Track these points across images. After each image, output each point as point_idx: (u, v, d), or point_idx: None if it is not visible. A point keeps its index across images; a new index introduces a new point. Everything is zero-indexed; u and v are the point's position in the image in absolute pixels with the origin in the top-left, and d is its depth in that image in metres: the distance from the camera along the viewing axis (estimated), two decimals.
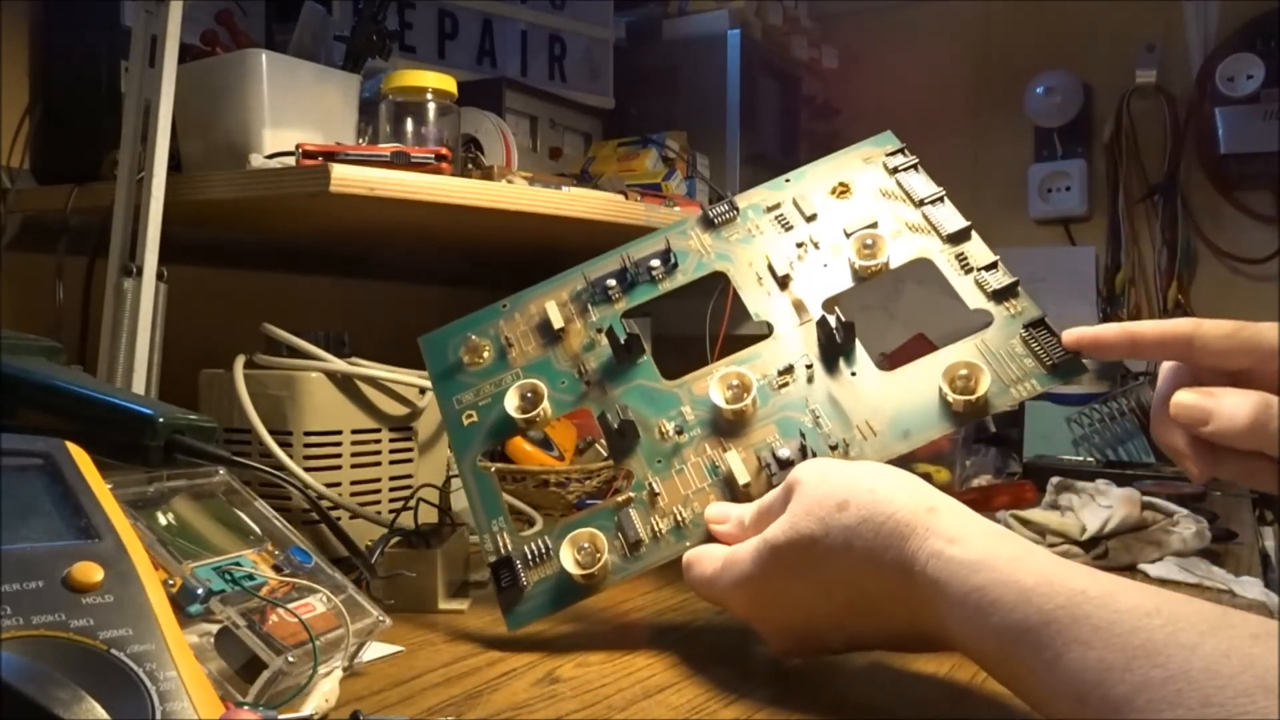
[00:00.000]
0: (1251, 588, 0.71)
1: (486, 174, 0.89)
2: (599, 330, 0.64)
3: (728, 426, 0.60)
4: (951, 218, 0.64)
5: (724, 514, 0.56)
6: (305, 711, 0.43)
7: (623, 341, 0.62)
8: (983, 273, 0.61)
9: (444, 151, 0.79)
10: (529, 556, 0.58)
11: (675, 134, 1.22)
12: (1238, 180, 1.45)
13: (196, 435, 0.55)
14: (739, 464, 0.58)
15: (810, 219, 0.66)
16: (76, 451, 0.41)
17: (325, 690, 0.45)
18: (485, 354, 0.65)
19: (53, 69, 0.97)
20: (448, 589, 0.67)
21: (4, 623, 0.32)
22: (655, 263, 0.66)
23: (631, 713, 0.47)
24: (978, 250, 0.63)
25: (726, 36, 1.34)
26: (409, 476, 0.80)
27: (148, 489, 0.51)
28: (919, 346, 1.02)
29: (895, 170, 0.67)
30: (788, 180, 0.68)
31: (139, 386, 0.74)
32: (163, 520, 0.49)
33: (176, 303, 0.77)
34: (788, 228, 0.66)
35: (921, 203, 0.65)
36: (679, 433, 0.60)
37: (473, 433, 0.62)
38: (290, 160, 0.78)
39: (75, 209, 0.87)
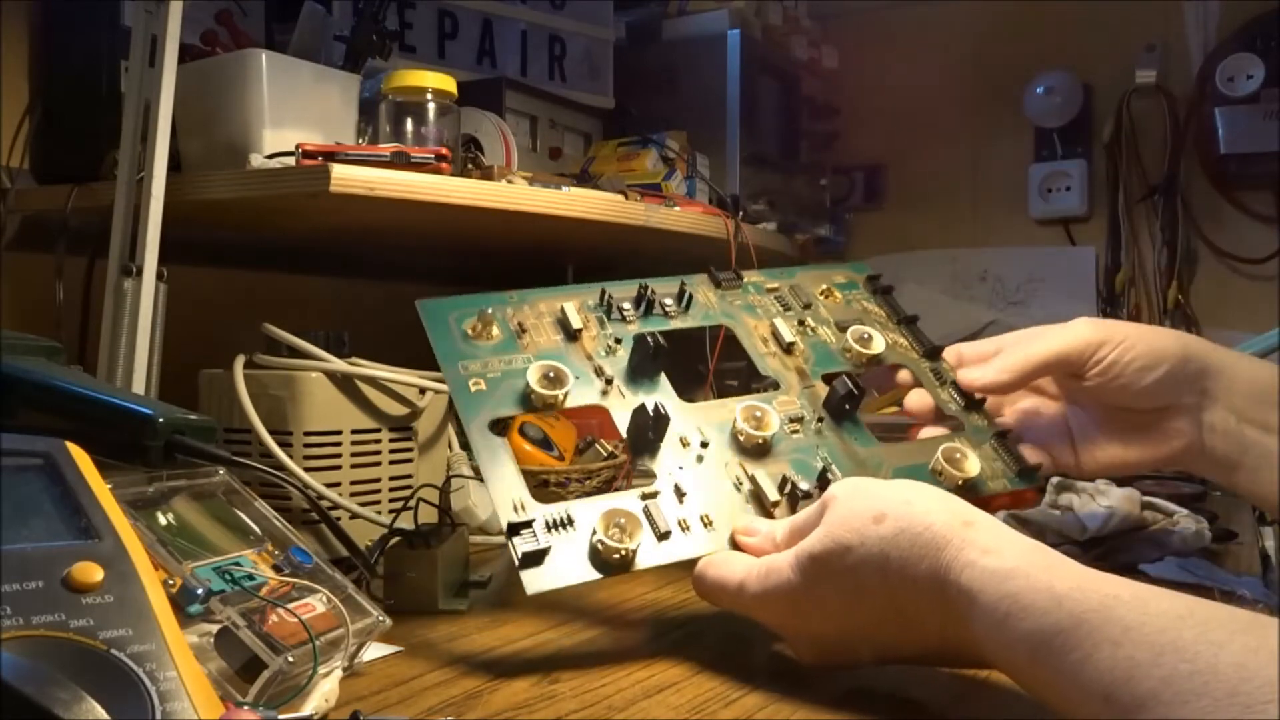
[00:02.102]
0: (1252, 588, 0.71)
1: (486, 174, 0.89)
2: (617, 340, 0.65)
3: (744, 451, 0.61)
4: (926, 338, 0.72)
5: (754, 528, 0.56)
6: (305, 711, 0.43)
7: (651, 351, 0.63)
8: (956, 386, 0.69)
9: (444, 151, 0.80)
10: (549, 524, 0.55)
11: (675, 134, 1.22)
12: (1238, 180, 1.45)
13: (196, 435, 0.54)
14: (767, 481, 0.59)
15: (806, 307, 0.72)
16: (76, 451, 0.41)
17: (325, 690, 0.45)
18: (494, 332, 0.63)
19: (53, 69, 0.97)
20: (448, 589, 0.67)
21: (4, 623, 0.32)
22: (669, 301, 0.68)
23: (631, 713, 0.47)
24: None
25: (726, 36, 1.34)
26: (409, 476, 0.80)
27: (148, 489, 0.51)
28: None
29: (876, 291, 0.75)
30: (782, 272, 0.74)
31: (139, 386, 0.74)
32: (163, 520, 0.49)
33: (176, 303, 0.77)
34: (787, 307, 0.71)
35: (901, 320, 0.73)
36: (703, 445, 0.61)
37: (481, 399, 0.60)
38: (290, 160, 0.78)
39: (75, 209, 0.87)
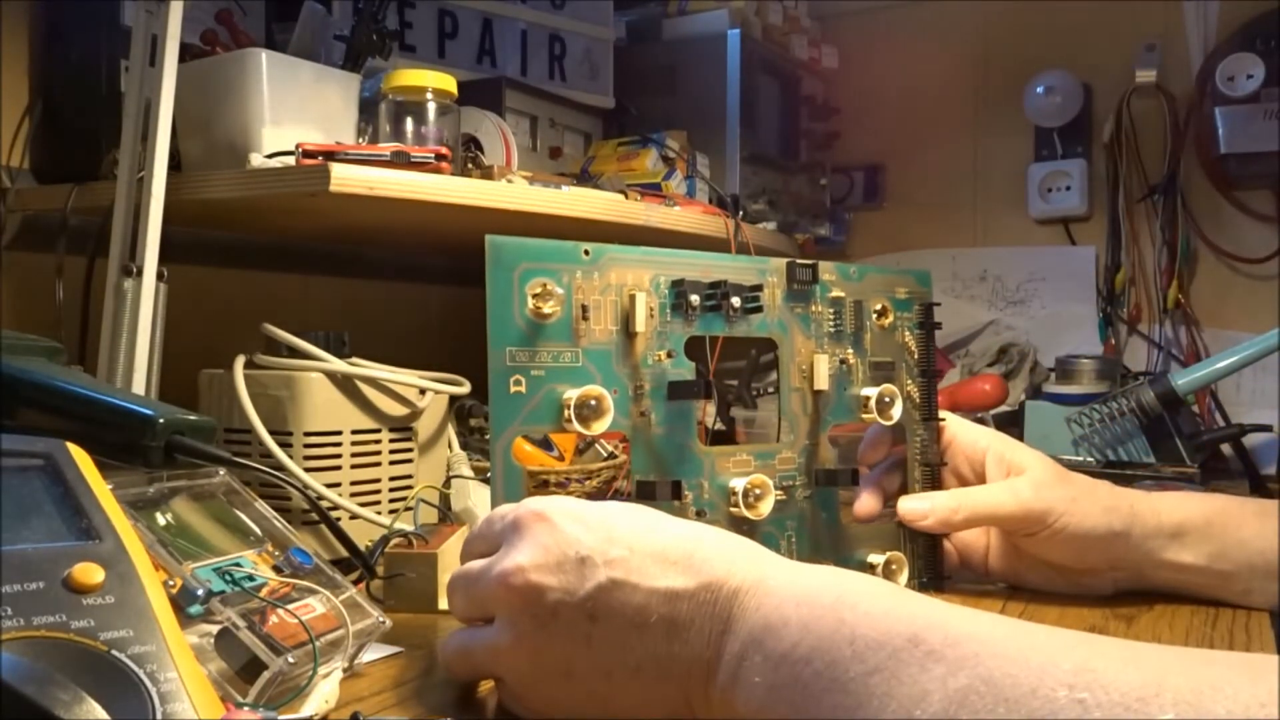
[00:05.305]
0: None
1: (486, 174, 0.89)
2: (669, 354, 0.60)
3: (730, 518, 0.61)
4: (935, 398, 0.70)
5: None
6: (305, 712, 0.43)
7: (694, 391, 0.59)
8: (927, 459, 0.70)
9: (444, 151, 0.80)
10: None
11: (675, 133, 1.22)
12: (1238, 180, 1.45)
13: (196, 435, 0.55)
14: None
15: (854, 333, 0.68)
16: (77, 452, 0.41)
17: (325, 691, 0.45)
18: (555, 308, 0.56)
19: (53, 69, 0.97)
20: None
21: (5, 623, 0.32)
22: (737, 301, 0.62)
23: None
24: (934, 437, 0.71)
25: (726, 36, 1.34)
26: (409, 477, 0.80)
27: (148, 489, 0.51)
28: None
29: (923, 324, 0.71)
30: (852, 272, 0.68)
31: (139, 386, 0.74)
32: (162, 521, 0.49)
33: (176, 303, 0.77)
34: (839, 330, 0.67)
35: (924, 373, 0.70)
36: (699, 514, 0.61)
37: (517, 406, 0.54)
38: (290, 160, 0.78)
39: (75, 209, 0.87)
